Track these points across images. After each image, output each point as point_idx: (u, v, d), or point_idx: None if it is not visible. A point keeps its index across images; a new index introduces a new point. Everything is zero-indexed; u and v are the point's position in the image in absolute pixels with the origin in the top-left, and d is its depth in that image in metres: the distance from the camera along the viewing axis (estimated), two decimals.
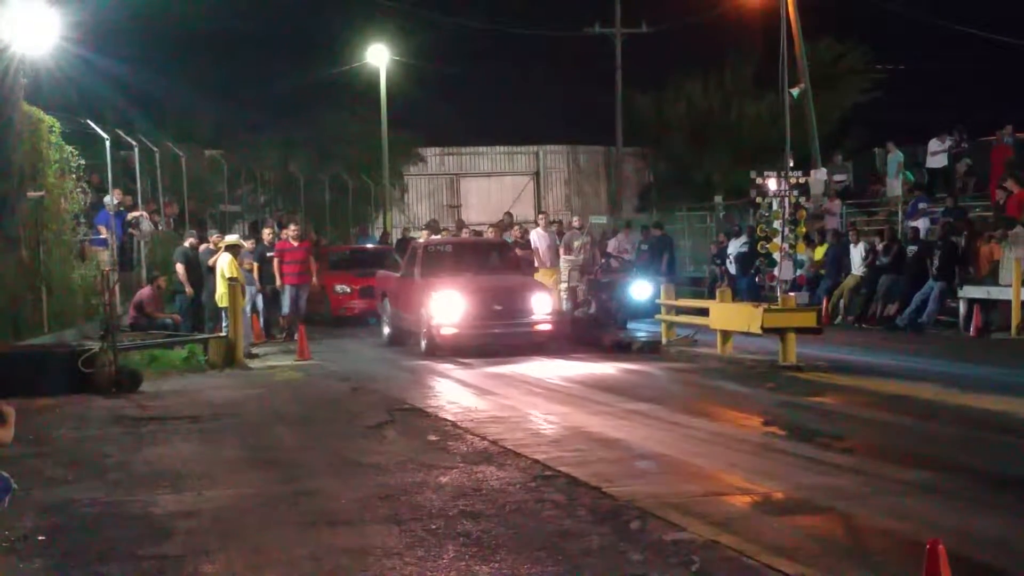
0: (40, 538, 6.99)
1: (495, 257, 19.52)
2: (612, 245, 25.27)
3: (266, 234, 21.63)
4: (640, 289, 19.52)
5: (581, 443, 9.84)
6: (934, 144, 25.39)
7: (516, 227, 23.99)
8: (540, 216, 24.61)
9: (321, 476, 8.66)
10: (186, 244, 19.76)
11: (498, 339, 17.14)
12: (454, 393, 13.51)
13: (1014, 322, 18.08)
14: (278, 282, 20.46)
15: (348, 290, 23.74)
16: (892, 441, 9.75)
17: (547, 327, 17.39)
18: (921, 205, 22.67)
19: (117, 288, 15.47)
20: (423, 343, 17.40)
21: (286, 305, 20.62)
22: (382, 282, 20.43)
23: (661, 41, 38.24)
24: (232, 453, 9.74)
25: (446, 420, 11.21)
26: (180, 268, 19.09)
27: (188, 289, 19.04)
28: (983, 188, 23.83)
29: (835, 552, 6.41)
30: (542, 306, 17.39)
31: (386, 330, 19.69)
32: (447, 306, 17.00)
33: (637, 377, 14.59)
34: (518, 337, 17.26)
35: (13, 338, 15.21)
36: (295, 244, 20.91)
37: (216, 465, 9.18)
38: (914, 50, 35.11)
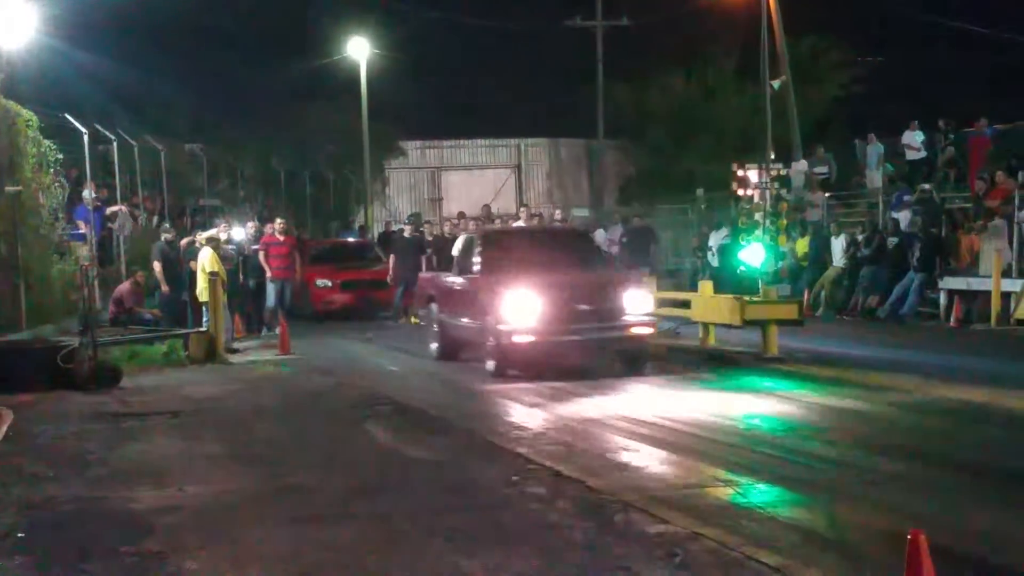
0: (20, 535, 6.94)
1: (569, 248, 16.15)
2: (600, 237, 25.23)
3: (250, 228, 21.57)
4: None
5: (565, 436, 9.84)
6: (906, 136, 25.59)
7: (498, 220, 23.96)
8: (522, 209, 24.55)
9: (303, 471, 8.63)
10: (162, 240, 19.48)
11: (584, 346, 14.01)
12: (439, 388, 13.49)
13: (994, 313, 18.16)
14: (268, 274, 20.43)
15: (329, 284, 23.68)
16: (873, 432, 9.78)
17: (646, 330, 14.29)
18: (906, 198, 22.74)
19: (96, 283, 15.38)
20: (490, 362, 14.06)
21: (271, 299, 20.55)
22: (427, 284, 17.48)
23: (642, 34, 38.27)
24: (213, 448, 9.69)
25: (430, 414, 11.18)
26: (157, 266, 18.90)
27: (165, 287, 18.88)
28: (964, 179, 23.92)
29: (816, 543, 6.43)
30: (638, 305, 14.28)
31: (433, 345, 16.10)
32: (521, 308, 13.74)
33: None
34: (608, 343, 14.17)
35: None
36: (281, 239, 20.88)
37: (197, 461, 9.14)
38: (895, 42, 35.20)
